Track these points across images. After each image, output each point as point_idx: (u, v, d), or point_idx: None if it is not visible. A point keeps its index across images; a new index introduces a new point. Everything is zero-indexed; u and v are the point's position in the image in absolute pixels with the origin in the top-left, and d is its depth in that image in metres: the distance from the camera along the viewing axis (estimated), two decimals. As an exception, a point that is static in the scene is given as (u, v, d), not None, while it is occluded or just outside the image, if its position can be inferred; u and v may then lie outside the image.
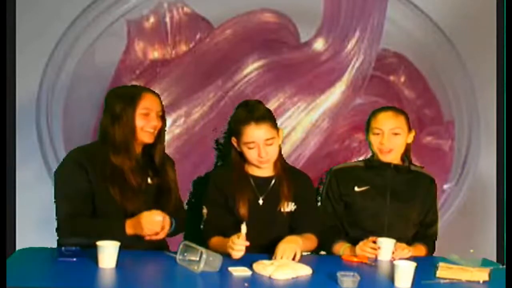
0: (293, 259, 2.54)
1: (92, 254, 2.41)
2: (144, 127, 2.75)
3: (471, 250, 2.63)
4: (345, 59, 4.26)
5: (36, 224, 4.07)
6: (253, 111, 2.80)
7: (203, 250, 2.39)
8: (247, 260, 2.51)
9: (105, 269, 2.37)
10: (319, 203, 3.01)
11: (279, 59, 4.30)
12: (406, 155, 3.01)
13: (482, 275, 2.42)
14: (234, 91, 4.24)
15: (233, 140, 2.85)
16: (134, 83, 4.21)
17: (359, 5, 4.23)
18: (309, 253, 2.78)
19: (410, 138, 2.98)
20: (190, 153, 4.17)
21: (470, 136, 4.37)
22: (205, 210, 2.82)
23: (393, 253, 2.67)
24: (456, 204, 4.28)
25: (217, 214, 2.79)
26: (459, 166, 4.35)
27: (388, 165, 2.94)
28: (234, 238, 2.52)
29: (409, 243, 2.88)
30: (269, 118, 2.82)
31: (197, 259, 2.39)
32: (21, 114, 4.20)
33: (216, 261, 2.40)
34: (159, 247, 2.74)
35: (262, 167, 2.82)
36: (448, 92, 4.39)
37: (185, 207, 3.00)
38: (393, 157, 2.94)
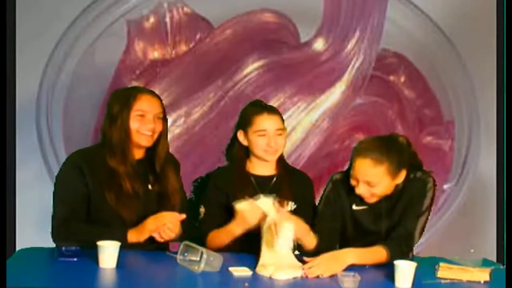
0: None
1: (92, 254, 2.41)
2: (140, 129, 2.68)
3: (472, 250, 2.62)
4: (345, 59, 4.26)
5: (36, 224, 4.07)
6: (266, 105, 2.91)
7: (204, 250, 2.39)
8: (247, 260, 2.51)
9: (105, 269, 2.37)
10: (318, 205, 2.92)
11: (279, 59, 4.30)
12: (414, 165, 2.73)
13: (482, 275, 2.42)
14: (234, 91, 4.23)
15: (240, 133, 2.85)
16: (134, 83, 4.22)
17: (359, 5, 4.22)
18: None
19: (399, 179, 2.65)
20: (190, 153, 4.17)
21: (470, 136, 4.37)
22: (202, 209, 2.82)
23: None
24: (456, 204, 4.28)
25: (213, 214, 2.79)
26: (459, 166, 4.35)
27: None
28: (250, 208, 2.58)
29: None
30: (279, 113, 2.90)
31: (198, 259, 2.39)
32: (21, 114, 4.20)
33: (217, 261, 2.41)
34: (159, 247, 2.73)
35: (267, 159, 2.82)
36: (448, 92, 4.40)
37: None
38: (379, 198, 2.67)
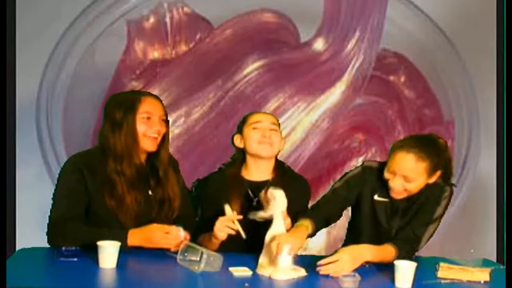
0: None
1: (92, 254, 2.41)
2: (147, 132, 2.66)
3: (472, 250, 2.63)
4: (345, 59, 4.26)
5: (36, 224, 4.05)
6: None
7: (204, 250, 2.39)
8: (247, 260, 2.51)
9: (105, 269, 2.37)
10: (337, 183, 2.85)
11: (279, 59, 4.30)
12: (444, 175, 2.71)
13: (483, 275, 2.42)
14: (234, 91, 4.24)
15: (236, 137, 2.88)
16: (134, 83, 4.22)
17: (359, 5, 4.23)
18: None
19: (432, 179, 2.67)
20: (190, 153, 4.17)
21: (470, 136, 4.37)
22: (199, 212, 2.85)
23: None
24: (456, 204, 4.28)
25: (208, 218, 2.78)
26: (459, 166, 4.35)
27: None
28: (221, 218, 2.60)
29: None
30: (275, 116, 2.99)
31: (198, 259, 2.39)
32: (21, 114, 4.20)
33: (217, 261, 2.41)
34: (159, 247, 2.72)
35: (262, 153, 2.82)
36: (448, 92, 4.40)
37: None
38: (407, 196, 2.69)
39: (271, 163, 2.90)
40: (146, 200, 2.69)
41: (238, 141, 2.89)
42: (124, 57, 4.31)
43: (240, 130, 2.90)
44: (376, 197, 2.75)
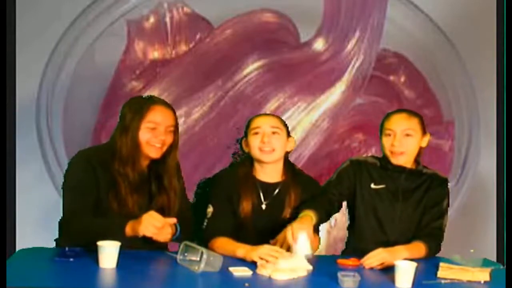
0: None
1: (92, 254, 2.41)
2: (150, 141, 2.66)
3: (472, 250, 2.62)
4: (345, 59, 4.26)
5: (36, 224, 4.08)
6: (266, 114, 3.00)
7: (204, 250, 2.39)
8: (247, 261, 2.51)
9: (105, 269, 2.37)
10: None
11: (279, 59, 4.30)
12: (416, 159, 2.91)
13: (483, 275, 2.42)
14: (234, 91, 4.23)
15: (243, 142, 2.89)
16: (134, 83, 4.22)
17: (359, 5, 4.22)
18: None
19: (424, 142, 2.87)
20: (190, 153, 4.17)
21: (470, 136, 4.37)
22: (210, 209, 2.81)
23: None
24: (456, 204, 4.28)
25: (222, 211, 2.78)
26: (459, 166, 4.35)
27: (401, 168, 2.86)
28: (267, 246, 2.53)
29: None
30: (280, 118, 2.96)
31: (198, 259, 2.39)
32: (21, 114, 4.20)
33: (217, 261, 2.41)
34: (159, 247, 2.73)
35: (263, 159, 2.81)
36: (448, 92, 4.40)
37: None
38: (405, 160, 2.85)
39: (279, 165, 2.87)
40: (147, 206, 2.70)
41: (244, 145, 2.89)
42: (124, 57, 4.31)
43: (245, 135, 2.89)
44: (373, 185, 2.87)
